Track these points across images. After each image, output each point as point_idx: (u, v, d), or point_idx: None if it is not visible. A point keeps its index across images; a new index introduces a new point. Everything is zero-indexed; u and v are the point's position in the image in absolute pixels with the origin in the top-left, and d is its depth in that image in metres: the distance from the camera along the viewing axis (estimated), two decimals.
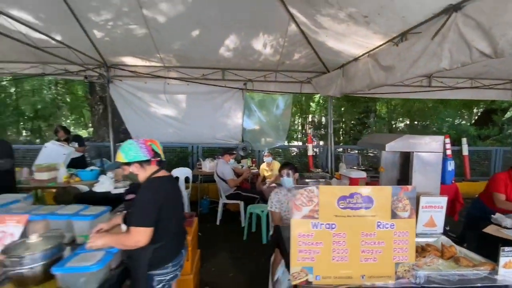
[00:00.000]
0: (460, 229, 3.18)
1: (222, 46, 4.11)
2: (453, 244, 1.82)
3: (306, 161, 7.62)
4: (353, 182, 3.31)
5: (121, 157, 1.66)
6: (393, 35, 2.88)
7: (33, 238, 1.52)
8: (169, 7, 3.29)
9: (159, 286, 1.65)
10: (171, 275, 1.70)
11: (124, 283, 1.69)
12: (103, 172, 4.36)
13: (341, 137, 9.57)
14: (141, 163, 1.67)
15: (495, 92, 5.51)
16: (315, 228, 1.41)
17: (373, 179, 4.03)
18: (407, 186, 1.44)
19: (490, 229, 2.29)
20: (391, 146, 2.12)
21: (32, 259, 1.42)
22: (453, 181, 4.06)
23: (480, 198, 3.00)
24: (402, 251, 1.43)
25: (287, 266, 1.87)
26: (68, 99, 10.61)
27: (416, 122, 9.97)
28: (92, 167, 4.34)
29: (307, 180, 4.02)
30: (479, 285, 1.43)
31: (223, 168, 4.56)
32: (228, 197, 4.58)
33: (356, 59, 3.76)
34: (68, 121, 11.59)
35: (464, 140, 6.55)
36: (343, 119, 9.24)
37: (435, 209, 1.96)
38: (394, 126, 9.86)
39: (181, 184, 4.61)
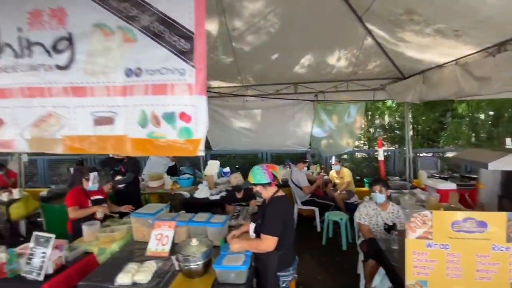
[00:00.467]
0: None
1: (297, 65, 4.42)
2: None
3: (375, 165, 7.44)
4: (443, 194, 3.26)
5: (250, 178, 2.12)
6: (487, 45, 2.78)
7: (194, 242, 2.05)
8: (255, 38, 3.74)
9: (283, 285, 2.06)
10: (291, 277, 2.10)
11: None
12: (196, 179, 5.11)
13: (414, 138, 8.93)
14: (264, 185, 2.10)
15: None
16: (429, 247, 1.61)
17: (461, 188, 3.83)
18: None
19: None
20: (495, 165, 2.12)
21: (197, 257, 1.93)
22: None
23: None
24: None
25: (390, 275, 2.09)
26: None
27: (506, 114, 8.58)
28: (188, 176, 5.10)
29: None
30: None
31: (298, 175, 4.88)
32: (304, 203, 4.87)
33: (440, 66, 3.67)
34: None
35: None
36: (418, 122, 8.61)
37: None
38: (475, 122, 8.72)
39: None
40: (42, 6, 1.60)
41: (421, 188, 4.23)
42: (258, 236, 2.07)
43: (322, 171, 5.93)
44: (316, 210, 4.81)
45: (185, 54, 1.54)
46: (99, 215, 2.97)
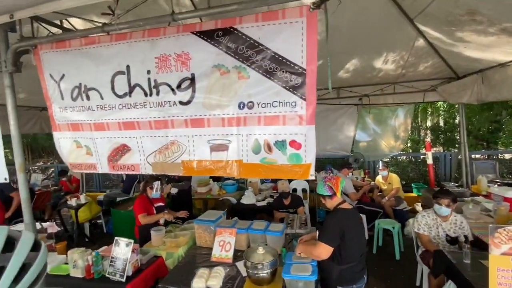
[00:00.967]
0: None
1: (342, 70, 4.38)
2: None
3: (422, 169, 7.04)
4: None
5: (317, 189, 2.17)
6: None
7: (260, 250, 2.14)
8: None
9: None
10: None
11: None
12: (239, 185, 5.27)
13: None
14: (324, 196, 2.16)
15: None
16: None
17: None
18: None
19: None
20: None
21: (265, 266, 2.02)
22: None
23: None
24: None
25: None
26: None
27: None
28: (232, 181, 5.29)
29: None
30: None
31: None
32: None
33: (502, 64, 3.41)
34: None
35: None
36: (472, 122, 7.99)
37: None
38: None
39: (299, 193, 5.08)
40: (168, 51, 1.81)
41: (482, 196, 3.93)
42: None
43: (366, 176, 5.76)
44: (364, 217, 4.68)
45: (297, 89, 1.67)
46: (162, 221, 3.22)
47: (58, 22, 2.17)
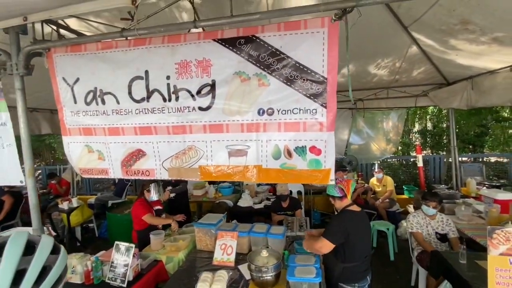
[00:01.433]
0: None
1: (338, 74, 4.45)
2: None
3: (413, 171, 7.23)
4: (503, 205, 3.13)
5: (328, 190, 2.22)
6: None
7: (264, 253, 2.15)
8: None
9: None
10: None
11: None
12: (235, 188, 5.27)
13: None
14: (334, 197, 2.23)
15: None
16: None
17: None
18: None
19: None
20: None
21: (269, 269, 2.03)
22: None
23: None
24: None
25: None
26: None
27: None
28: (228, 184, 5.28)
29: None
30: None
31: None
32: None
33: (491, 72, 3.57)
34: None
35: None
36: (459, 126, 8.29)
37: None
38: None
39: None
40: (189, 58, 1.81)
41: (472, 197, 4.08)
42: None
43: (359, 178, 5.87)
44: None
45: (317, 96, 1.70)
46: (160, 225, 3.18)
47: (63, 23, 2.14)
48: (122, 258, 2.30)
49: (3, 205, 4.50)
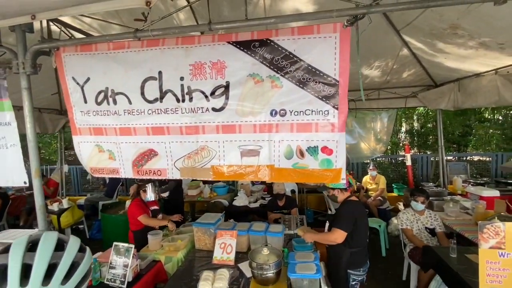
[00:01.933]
0: None
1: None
2: None
3: (402, 170, 7.45)
4: (488, 201, 3.29)
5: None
6: None
7: (265, 251, 2.19)
8: None
9: (353, 283, 2.27)
10: (361, 278, 2.29)
11: None
12: (229, 187, 5.28)
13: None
14: (341, 189, 2.38)
15: None
16: (502, 256, 1.69)
17: (501, 194, 3.83)
18: None
19: None
20: None
21: (271, 266, 2.07)
22: None
23: None
24: None
25: (447, 283, 2.19)
26: None
27: None
28: (222, 183, 5.28)
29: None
30: None
31: None
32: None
33: (477, 75, 3.73)
34: None
35: None
36: (445, 126, 8.60)
37: None
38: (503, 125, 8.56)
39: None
40: (204, 59, 1.82)
41: (458, 195, 4.25)
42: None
43: (351, 177, 5.99)
44: None
45: (329, 98, 1.75)
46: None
47: (69, 22, 2.11)
48: (121, 259, 2.29)
49: None
